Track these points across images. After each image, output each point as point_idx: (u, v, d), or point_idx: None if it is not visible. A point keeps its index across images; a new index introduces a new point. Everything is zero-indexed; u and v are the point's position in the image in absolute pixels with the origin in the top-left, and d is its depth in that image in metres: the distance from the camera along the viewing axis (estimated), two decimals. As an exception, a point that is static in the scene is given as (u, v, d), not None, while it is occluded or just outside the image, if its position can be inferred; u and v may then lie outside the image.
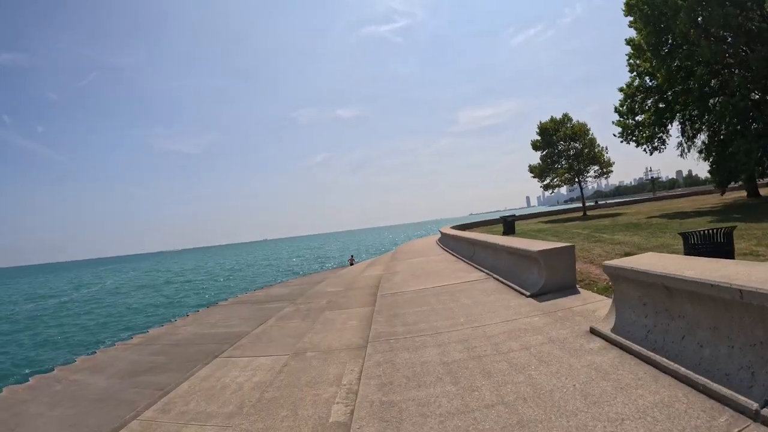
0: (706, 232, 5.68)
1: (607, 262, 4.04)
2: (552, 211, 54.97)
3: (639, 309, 3.66)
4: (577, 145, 31.73)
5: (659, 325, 3.38)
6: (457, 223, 35.67)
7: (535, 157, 33.92)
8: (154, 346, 9.14)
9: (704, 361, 2.89)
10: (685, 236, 5.97)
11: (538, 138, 33.14)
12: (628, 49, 24.48)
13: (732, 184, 24.43)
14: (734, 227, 5.89)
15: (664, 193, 74.86)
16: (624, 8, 22.44)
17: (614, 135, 25.84)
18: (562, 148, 32.10)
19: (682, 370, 2.95)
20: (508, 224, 20.67)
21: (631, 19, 22.44)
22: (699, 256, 4.77)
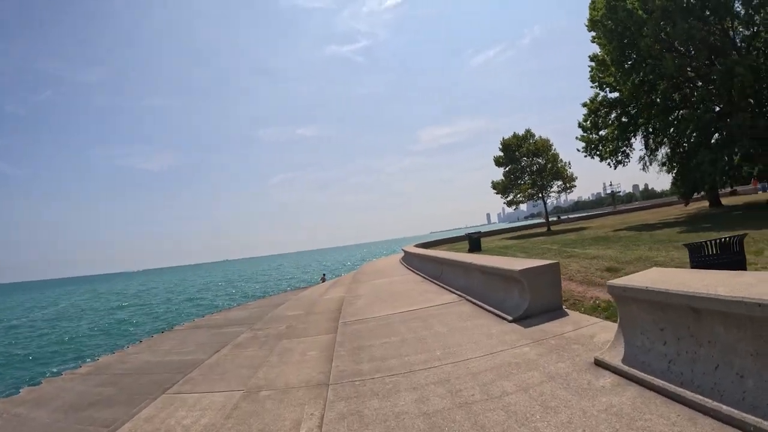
0: (723, 240, 5.28)
1: (612, 282, 3.55)
2: (515, 227, 55.90)
3: (654, 334, 3.16)
4: (540, 160, 32.30)
5: (684, 353, 2.89)
6: (420, 241, 35.27)
7: (498, 173, 34.34)
8: (103, 376, 8.67)
9: (749, 394, 2.41)
10: (694, 247, 5.54)
11: (501, 154, 33.59)
12: (587, 67, 25.35)
13: (693, 195, 25.31)
14: (745, 235, 5.57)
15: (624, 207, 77.45)
16: (587, 24, 23.16)
17: (578, 150, 26.48)
18: (525, 163, 32.63)
19: (724, 408, 2.46)
20: (474, 241, 20.70)
21: (595, 34, 23.12)
22: (709, 267, 4.37)
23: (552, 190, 33.08)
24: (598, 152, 25.54)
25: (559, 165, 31.89)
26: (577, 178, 32.58)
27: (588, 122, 25.75)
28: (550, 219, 70.20)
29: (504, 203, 34.57)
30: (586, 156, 26.15)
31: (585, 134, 26.22)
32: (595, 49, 24.42)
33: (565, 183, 32.34)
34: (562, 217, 67.58)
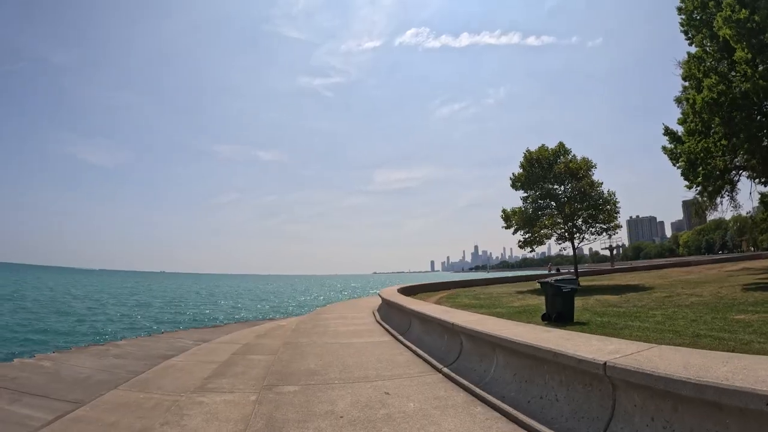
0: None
1: None
2: (511, 277, 56.49)
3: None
4: (572, 186, 32.86)
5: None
6: (367, 283, 35.23)
7: (512, 199, 34.82)
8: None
9: None
10: None
11: (522, 172, 34.03)
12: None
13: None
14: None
15: (622, 265, 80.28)
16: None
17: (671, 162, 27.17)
18: (553, 189, 33.15)
19: None
20: (564, 299, 14.69)
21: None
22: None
23: (590, 230, 33.60)
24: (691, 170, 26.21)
25: (606, 195, 32.46)
26: (619, 214, 33.27)
27: (690, 123, 26.19)
28: (552, 270, 71.88)
29: (519, 242, 34.87)
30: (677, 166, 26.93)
31: (673, 145, 26.98)
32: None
33: (609, 220, 32.83)
34: (562, 270, 69.62)
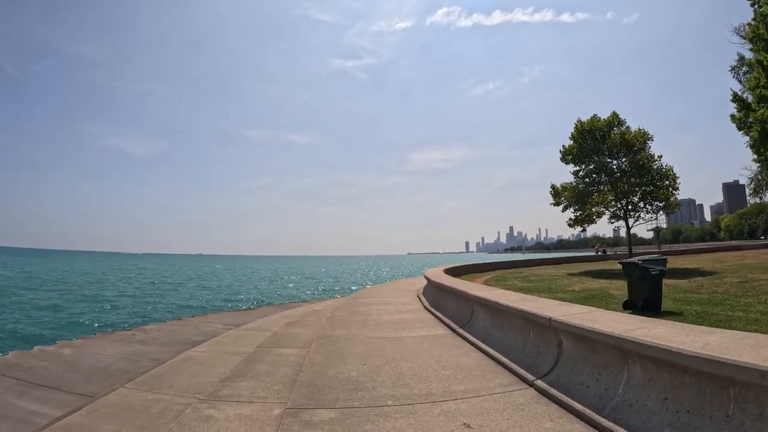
0: None
1: None
2: (557, 258, 53.15)
3: None
4: (628, 159, 29.69)
5: None
6: (402, 264, 32.70)
7: (562, 174, 31.93)
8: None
9: None
10: None
11: (573, 144, 31.00)
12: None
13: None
14: None
15: (668, 247, 77.12)
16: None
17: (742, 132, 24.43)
18: (607, 163, 29.97)
19: None
20: (653, 283, 12.12)
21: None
22: None
23: (644, 208, 30.55)
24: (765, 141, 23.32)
25: (665, 169, 29.30)
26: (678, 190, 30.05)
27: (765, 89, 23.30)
28: (599, 251, 67.77)
29: (569, 221, 31.98)
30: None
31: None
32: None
33: (668, 196, 29.63)
34: (609, 252, 65.98)
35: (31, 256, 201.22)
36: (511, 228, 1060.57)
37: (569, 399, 5.49)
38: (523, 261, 45.22)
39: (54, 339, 15.49)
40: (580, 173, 31.33)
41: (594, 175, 30.64)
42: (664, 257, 12.70)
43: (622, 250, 77.95)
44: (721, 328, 8.90)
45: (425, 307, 14.47)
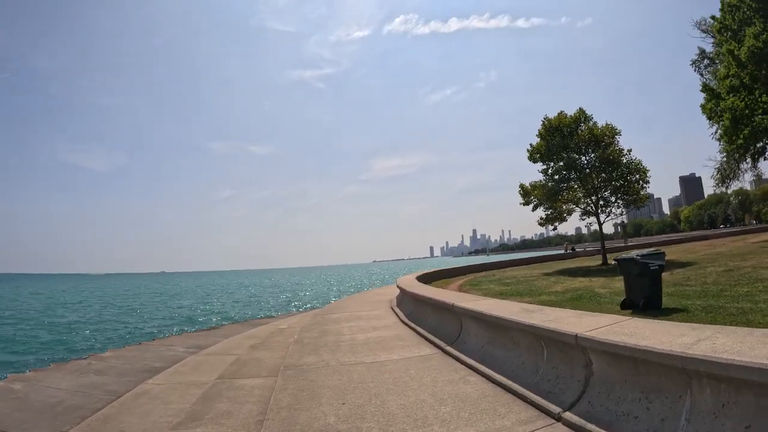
0: None
1: None
2: (532, 257, 52.47)
3: None
4: (597, 155, 28.83)
5: None
6: (369, 272, 31.35)
7: (525, 174, 31.07)
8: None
9: None
10: None
11: (541, 142, 30.05)
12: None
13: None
14: None
15: (633, 241, 78.23)
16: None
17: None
18: (576, 159, 29.06)
19: None
20: (654, 279, 11.15)
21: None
22: None
23: (613, 203, 29.82)
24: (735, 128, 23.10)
25: (634, 163, 28.57)
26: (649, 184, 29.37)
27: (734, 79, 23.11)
28: (568, 249, 67.18)
29: (540, 219, 31.07)
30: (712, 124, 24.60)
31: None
32: None
33: (638, 190, 28.90)
34: (577, 249, 65.84)
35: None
36: (474, 231, 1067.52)
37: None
38: (492, 263, 44.03)
39: (5, 373, 14.35)
40: (549, 171, 30.30)
41: (564, 172, 29.65)
42: (662, 251, 11.54)
43: (592, 246, 77.63)
44: (737, 323, 7.87)
45: (402, 321, 13.06)
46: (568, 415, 4.80)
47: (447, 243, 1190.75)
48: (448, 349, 8.51)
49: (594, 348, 4.87)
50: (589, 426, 4.50)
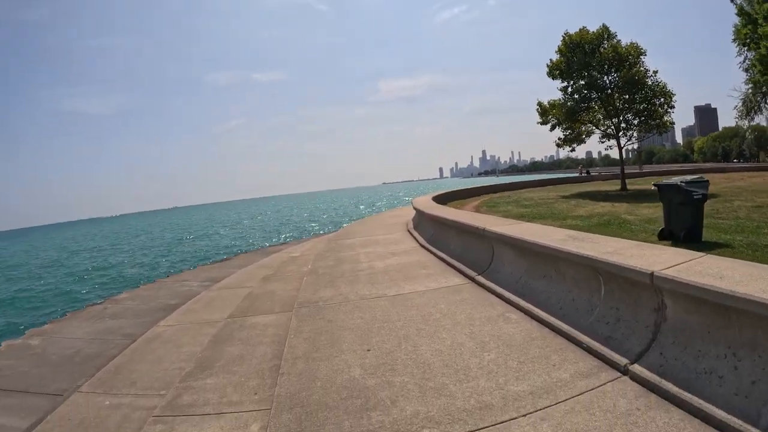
0: None
1: None
2: (545, 179, 51.12)
3: None
4: (620, 75, 27.13)
5: None
6: (378, 194, 30.53)
7: (549, 90, 29.53)
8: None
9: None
10: None
11: (560, 58, 28.36)
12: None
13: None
14: None
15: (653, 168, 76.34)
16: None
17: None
18: (600, 78, 27.40)
19: None
20: (696, 209, 10.25)
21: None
22: None
23: (636, 126, 28.40)
24: None
25: (659, 86, 26.96)
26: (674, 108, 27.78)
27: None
28: (583, 172, 65.18)
29: (557, 140, 29.85)
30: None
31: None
32: None
33: (662, 115, 27.42)
34: (593, 173, 63.50)
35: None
36: (483, 152, 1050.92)
37: (700, 401, 3.38)
38: (505, 184, 42.84)
39: (26, 327, 14.14)
40: (569, 90, 28.82)
41: (584, 92, 28.12)
42: (706, 179, 10.54)
43: (607, 171, 75.35)
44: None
45: (422, 246, 12.21)
46: (637, 369, 3.98)
47: (456, 164, 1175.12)
48: (480, 279, 7.63)
49: (673, 290, 3.97)
50: (665, 384, 3.69)
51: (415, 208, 15.99)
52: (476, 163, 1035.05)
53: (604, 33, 28.03)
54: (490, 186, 39.92)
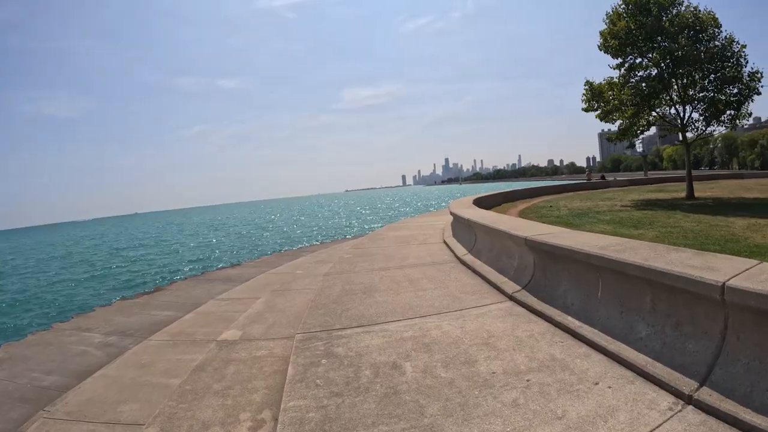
0: None
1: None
2: (564, 184, 42.51)
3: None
4: (700, 50, 20.20)
5: None
6: (346, 202, 23.25)
7: (600, 68, 22.55)
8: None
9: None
10: None
11: (621, 24, 21.20)
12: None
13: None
14: None
15: (658, 174, 72.77)
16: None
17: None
18: (676, 49, 20.12)
19: None
20: None
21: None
22: None
23: (713, 114, 21.51)
24: None
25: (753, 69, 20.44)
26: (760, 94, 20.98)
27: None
28: (592, 178, 57.58)
29: (612, 135, 23.25)
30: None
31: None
32: None
33: (741, 103, 20.62)
34: (609, 179, 57.15)
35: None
36: (446, 160, 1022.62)
37: None
38: (513, 191, 33.71)
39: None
40: (627, 65, 22.09)
41: (658, 68, 21.18)
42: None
43: (616, 177, 67.94)
44: None
45: (508, 296, 6.04)
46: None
47: (419, 172, 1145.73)
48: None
49: None
50: None
51: (477, 223, 8.74)
52: (439, 171, 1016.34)
53: (670, -5, 21.21)
54: (500, 194, 31.51)
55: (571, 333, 4.59)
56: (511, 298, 5.95)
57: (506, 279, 6.55)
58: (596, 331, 4.40)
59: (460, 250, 9.32)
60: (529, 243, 5.96)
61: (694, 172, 30.26)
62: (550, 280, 5.56)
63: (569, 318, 4.81)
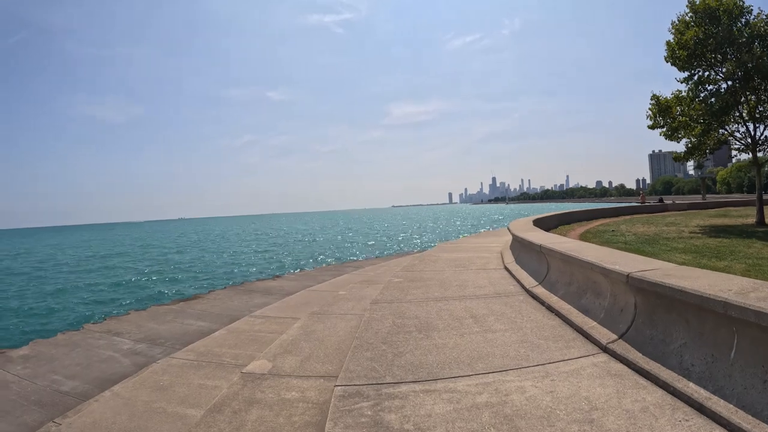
0: None
1: None
2: (591, 209, 38.95)
3: None
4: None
5: None
6: (393, 218, 22.03)
7: (666, 82, 20.80)
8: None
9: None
10: None
11: (691, 32, 19.43)
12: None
13: None
14: None
15: (715, 198, 70.61)
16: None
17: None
18: (749, 60, 18.22)
19: None
20: None
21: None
22: None
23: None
24: None
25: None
26: None
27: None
28: (646, 201, 55.44)
29: (680, 154, 21.63)
30: None
31: None
32: None
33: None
34: (667, 202, 54.88)
35: (27, 236, 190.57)
36: (493, 179, 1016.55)
37: None
38: (563, 214, 32.01)
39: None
40: (696, 78, 20.32)
41: (729, 82, 19.55)
42: None
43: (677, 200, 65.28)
44: None
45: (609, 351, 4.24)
46: None
47: (466, 190, 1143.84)
48: None
49: None
50: None
51: (557, 252, 7.13)
52: (486, 190, 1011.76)
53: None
54: (555, 216, 29.57)
55: (698, 408, 3.41)
56: (605, 350, 4.67)
57: (594, 323, 5.28)
58: (732, 407, 3.25)
59: (529, 281, 8.05)
60: (633, 281, 4.60)
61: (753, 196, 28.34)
62: (660, 331, 4.25)
63: (691, 384, 3.60)
